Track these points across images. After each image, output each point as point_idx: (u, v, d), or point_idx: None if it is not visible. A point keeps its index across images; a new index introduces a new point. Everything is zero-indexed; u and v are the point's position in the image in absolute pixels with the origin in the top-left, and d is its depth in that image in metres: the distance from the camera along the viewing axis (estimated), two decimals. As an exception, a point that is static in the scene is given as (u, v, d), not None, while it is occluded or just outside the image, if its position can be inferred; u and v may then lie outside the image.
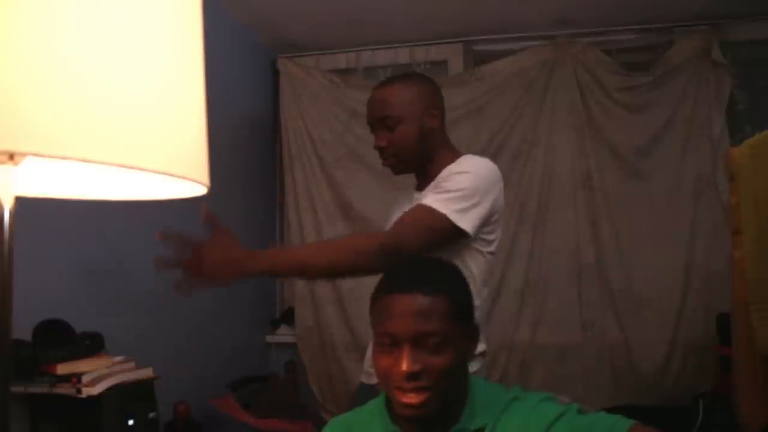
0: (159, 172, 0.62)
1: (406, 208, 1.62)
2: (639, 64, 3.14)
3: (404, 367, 1.02)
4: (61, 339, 1.59)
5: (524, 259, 3.10)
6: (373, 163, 3.25)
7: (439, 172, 1.61)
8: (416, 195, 1.68)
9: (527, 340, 3.05)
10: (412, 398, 1.03)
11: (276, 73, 3.39)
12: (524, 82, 3.15)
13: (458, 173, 1.56)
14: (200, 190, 0.72)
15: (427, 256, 1.24)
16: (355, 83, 3.32)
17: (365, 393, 1.57)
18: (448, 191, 1.52)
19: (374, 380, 1.65)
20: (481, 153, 3.16)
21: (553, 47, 3.13)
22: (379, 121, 1.66)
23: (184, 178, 0.65)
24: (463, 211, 1.51)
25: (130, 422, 1.62)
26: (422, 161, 1.66)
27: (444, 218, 1.49)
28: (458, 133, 3.20)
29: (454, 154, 1.66)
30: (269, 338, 3.35)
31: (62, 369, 1.51)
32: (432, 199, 1.52)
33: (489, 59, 3.25)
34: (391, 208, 1.79)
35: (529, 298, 3.08)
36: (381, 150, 1.66)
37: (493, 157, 3.14)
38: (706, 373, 2.85)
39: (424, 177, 1.67)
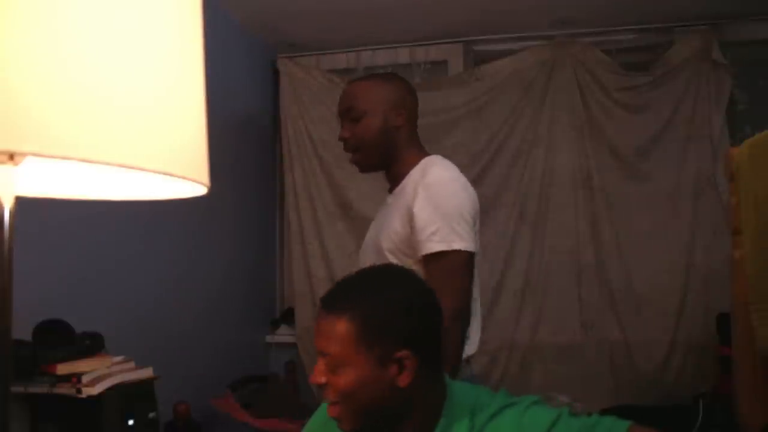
0: (159, 172, 0.62)
1: (384, 213, 1.69)
2: (639, 64, 3.14)
3: (312, 376, 1.07)
4: (61, 339, 1.59)
5: (524, 259, 3.10)
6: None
7: (405, 173, 1.66)
8: (388, 199, 1.72)
9: (527, 340, 3.05)
10: (330, 411, 1.07)
11: (276, 73, 3.39)
12: (524, 82, 3.15)
13: (441, 195, 1.58)
14: (200, 190, 0.72)
15: (376, 267, 1.18)
16: (355, 83, 3.31)
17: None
18: (447, 222, 1.54)
19: None
20: (481, 153, 3.21)
21: (553, 47, 3.13)
22: (345, 112, 1.69)
23: (183, 178, 0.65)
24: (465, 234, 1.60)
25: (130, 422, 1.62)
26: (387, 159, 1.69)
27: (461, 254, 1.55)
28: (458, 133, 3.21)
29: (419, 156, 1.68)
30: (269, 338, 3.35)
31: (62, 369, 1.51)
32: (438, 240, 1.53)
33: (489, 59, 3.25)
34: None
35: (529, 298, 3.08)
36: (344, 141, 1.70)
37: (493, 157, 3.19)
38: (706, 373, 2.85)
39: (393, 178, 1.71)
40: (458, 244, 1.54)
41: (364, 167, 1.73)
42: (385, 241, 1.61)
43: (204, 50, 0.71)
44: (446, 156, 3.21)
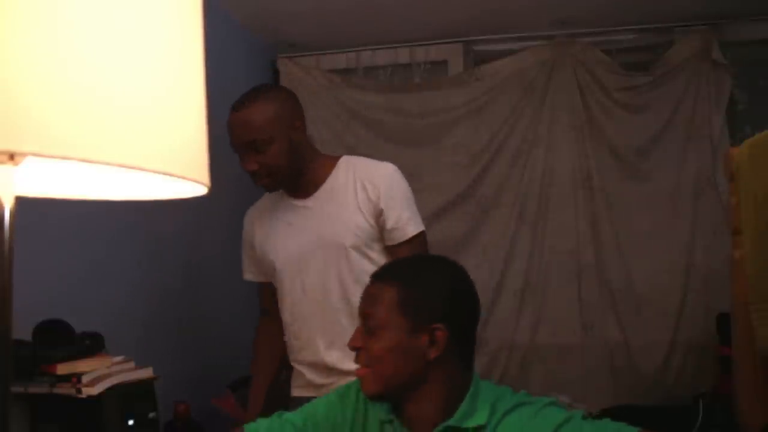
0: (159, 172, 0.62)
1: (291, 218, 1.70)
2: (639, 64, 3.14)
3: (349, 341, 1.16)
4: (61, 339, 1.59)
5: (524, 259, 3.10)
6: (373, 163, 3.26)
7: (323, 175, 1.68)
8: (298, 203, 1.72)
9: (527, 340, 3.05)
10: (357, 371, 1.16)
11: (276, 73, 3.39)
12: (524, 82, 3.15)
13: (401, 184, 1.69)
14: (200, 190, 0.72)
15: (429, 255, 1.37)
16: (355, 83, 3.32)
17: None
18: (411, 206, 1.68)
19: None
20: (481, 153, 3.21)
21: (553, 47, 3.13)
22: (248, 145, 1.62)
23: (184, 178, 0.65)
24: (419, 216, 1.72)
25: (130, 422, 1.62)
26: (297, 173, 1.68)
27: (424, 233, 1.70)
28: (458, 133, 3.21)
29: (328, 157, 1.73)
30: (269, 338, 3.34)
31: (62, 369, 1.51)
32: (413, 225, 1.67)
33: (489, 59, 3.25)
34: (264, 228, 1.79)
35: (529, 298, 3.08)
36: (253, 174, 1.65)
37: (493, 157, 3.19)
38: (706, 373, 2.85)
39: (301, 186, 1.70)
40: (422, 225, 1.69)
41: (275, 188, 1.72)
42: (347, 238, 1.65)
43: (204, 50, 0.71)
44: (446, 156, 3.24)
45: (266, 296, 1.87)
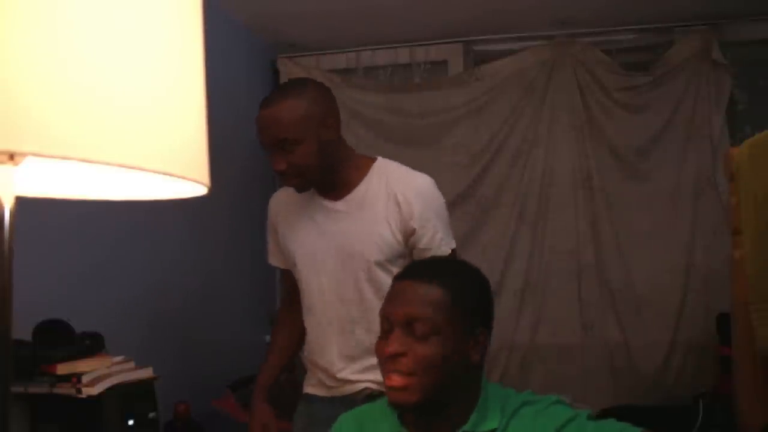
0: (159, 172, 0.62)
1: (318, 217, 1.63)
2: (639, 64, 3.14)
3: (389, 348, 1.04)
4: (61, 339, 1.59)
5: (524, 259, 3.10)
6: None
7: (356, 178, 1.60)
8: (328, 203, 1.63)
9: (527, 340, 3.05)
10: (394, 380, 1.04)
11: (276, 73, 3.39)
12: (524, 82, 3.15)
13: (436, 201, 1.62)
14: (200, 190, 0.72)
15: (452, 259, 1.29)
16: (355, 83, 3.31)
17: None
18: (446, 225, 1.62)
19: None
20: (481, 153, 3.21)
21: (553, 47, 3.13)
22: (274, 144, 1.54)
23: (184, 178, 0.65)
24: (451, 232, 1.65)
25: (130, 422, 1.62)
26: (328, 173, 1.59)
27: (455, 252, 1.63)
28: (458, 133, 3.22)
29: (364, 159, 1.64)
30: (269, 338, 3.34)
31: (62, 369, 1.51)
32: (445, 244, 1.59)
33: (489, 59, 3.25)
34: (289, 218, 1.70)
35: (529, 298, 3.08)
36: (281, 173, 1.57)
37: (493, 157, 3.20)
38: (706, 373, 2.85)
39: (333, 186, 1.62)
40: (454, 242, 1.63)
41: (305, 188, 1.62)
42: (372, 253, 1.57)
43: (204, 50, 0.71)
44: (446, 156, 3.24)
45: (289, 282, 1.78)
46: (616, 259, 3.03)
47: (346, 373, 1.61)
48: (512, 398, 1.13)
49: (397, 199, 1.55)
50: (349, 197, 1.60)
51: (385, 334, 1.08)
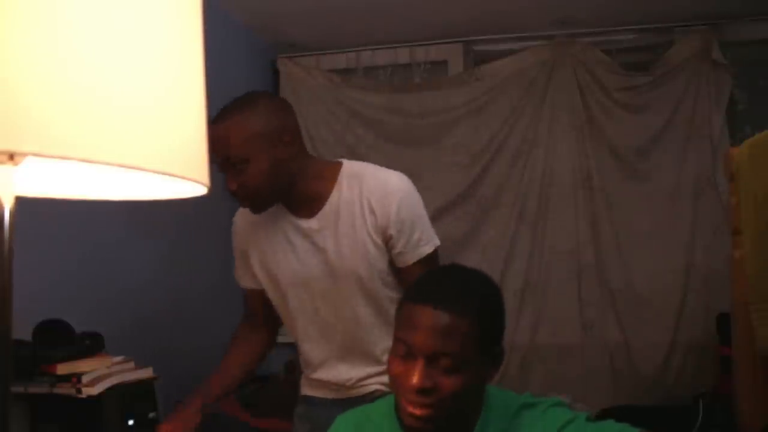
0: (159, 172, 0.62)
1: (294, 239, 1.51)
2: (639, 64, 3.14)
3: (415, 381, 0.99)
4: (61, 339, 1.59)
5: (524, 259, 3.10)
6: (374, 163, 3.25)
7: (324, 191, 1.48)
8: (302, 223, 1.51)
9: (527, 340, 3.05)
10: (417, 411, 1.01)
11: (276, 73, 3.39)
12: (524, 82, 3.15)
13: (412, 200, 1.50)
14: (200, 190, 0.72)
15: (464, 267, 1.15)
16: (355, 83, 3.32)
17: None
18: (424, 223, 1.52)
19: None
20: (481, 153, 3.21)
21: (553, 47, 3.13)
22: (224, 162, 1.41)
23: (184, 178, 0.65)
24: (432, 227, 1.56)
25: (130, 422, 1.62)
26: (285, 190, 1.47)
27: (437, 248, 1.54)
28: (458, 133, 3.22)
29: (329, 168, 1.51)
30: (269, 338, 3.34)
31: (62, 369, 1.51)
32: (425, 244, 1.50)
33: (489, 59, 3.25)
34: (261, 243, 1.57)
35: (529, 298, 3.08)
36: (233, 194, 1.45)
37: (493, 157, 3.20)
38: (706, 373, 2.85)
39: (302, 203, 1.50)
40: (436, 240, 1.54)
41: (262, 209, 1.48)
42: (361, 268, 1.48)
43: (204, 50, 0.71)
44: (446, 156, 3.24)
45: (256, 302, 1.68)
46: (616, 259, 3.03)
47: (356, 381, 1.57)
48: (512, 401, 1.13)
49: (371, 206, 1.46)
50: (322, 213, 1.49)
51: (403, 358, 1.03)
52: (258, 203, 1.46)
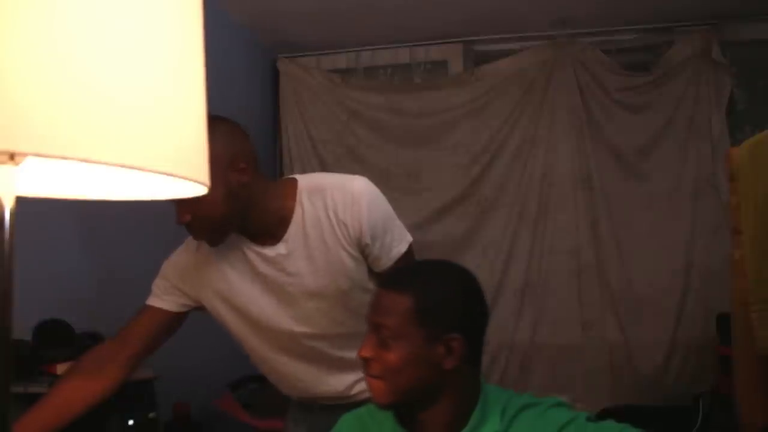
0: (159, 172, 0.62)
1: (263, 268, 1.42)
2: (639, 64, 3.15)
3: (361, 351, 1.10)
4: (61, 339, 1.59)
5: (524, 259, 3.10)
6: (374, 163, 3.26)
7: (285, 214, 1.40)
8: (267, 251, 1.41)
9: (527, 340, 3.05)
10: (372, 382, 1.10)
11: (276, 73, 3.39)
12: (524, 82, 3.15)
13: (377, 202, 1.43)
14: (201, 190, 0.72)
15: (435, 260, 1.24)
16: (355, 83, 3.32)
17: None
18: (394, 223, 1.45)
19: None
20: (481, 153, 3.21)
21: (553, 47, 3.13)
22: None
23: (184, 178, 0.65)
24: (402, 224, 1.48)
25: (130, 422, 1.62)
26: (243, 219, 1.38)
27: (410, 243, 1.47)
28: (458, 133, 3.22)
29: (287, 189, 1.42)
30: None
31: (62, 369, 1.51)
32: (397, 243, 1.43)
33: (489, 59, 3.25)
34: (216, 280, 1.48)
35: (529, 298, 3.08)
36: (187, 227, 1.38)
37: (493, 157, 3.20)
38: (706, 373, 2.85)
39: (262, 231, 1.41)
40: (408, 237, 1.48)
41: (220, 241, 1.40)
42: (342, 282, 1.41)
43: (204, 50, 0.71)
44: (446, 156, 3.24)
45: (153, 326, 1.57)
46: (616, 259, 3.03)
47: (352, 383, 1.52)
48: (512, 401, 1.13)
49: (339, 219, 1.39)
50: (288, 236, 1.40)
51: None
52: (215, 235, 1.39)
